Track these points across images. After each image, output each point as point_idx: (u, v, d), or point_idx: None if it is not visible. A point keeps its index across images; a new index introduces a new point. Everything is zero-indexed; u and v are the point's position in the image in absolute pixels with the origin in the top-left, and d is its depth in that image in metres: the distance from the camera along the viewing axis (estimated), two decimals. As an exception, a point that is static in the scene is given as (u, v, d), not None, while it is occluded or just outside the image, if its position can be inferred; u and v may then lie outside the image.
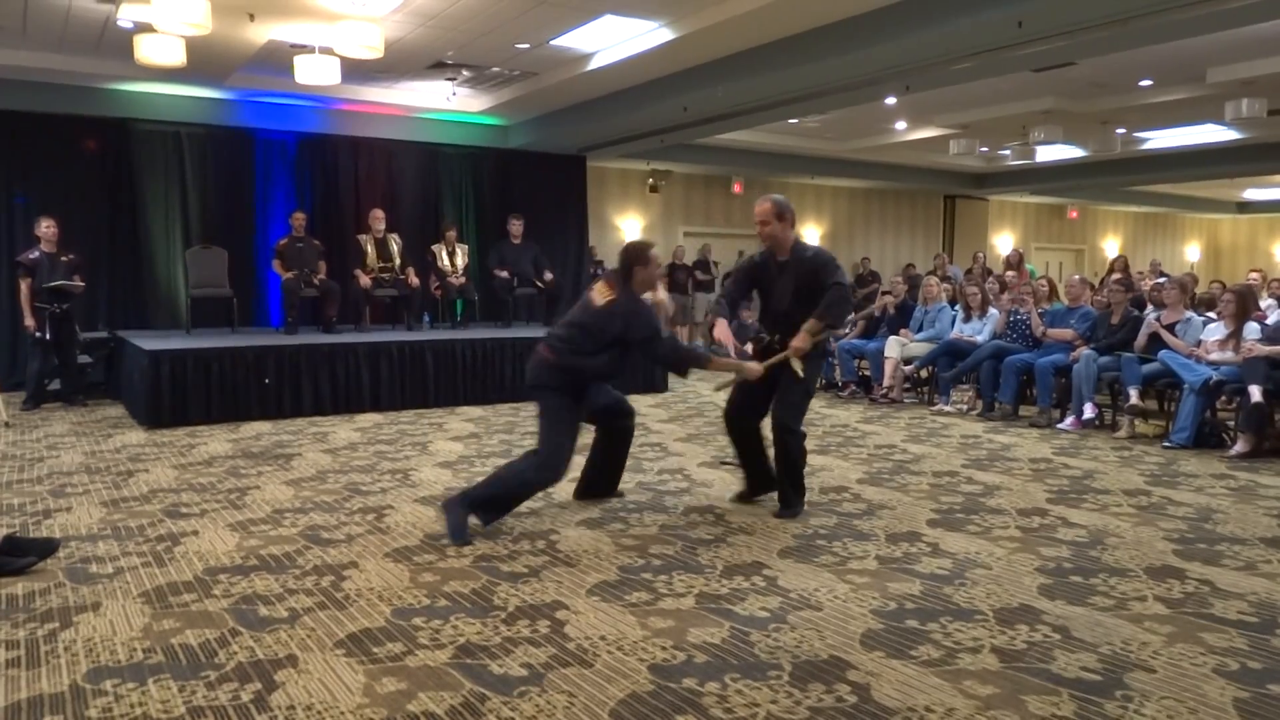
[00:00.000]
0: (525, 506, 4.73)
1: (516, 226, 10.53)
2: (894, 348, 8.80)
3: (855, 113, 11.32)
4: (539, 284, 10.36)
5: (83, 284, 8.40)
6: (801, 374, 4.45)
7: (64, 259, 8.26)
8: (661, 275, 4.62)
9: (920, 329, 8.97)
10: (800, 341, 4.41)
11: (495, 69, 9.47)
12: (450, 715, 2.52)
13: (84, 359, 8.78)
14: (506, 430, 7.14)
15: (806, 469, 4.75)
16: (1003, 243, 18.93)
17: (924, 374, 8.91)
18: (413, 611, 3.27)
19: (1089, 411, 7.11)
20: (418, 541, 4.14)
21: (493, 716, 2.51)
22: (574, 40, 8.40)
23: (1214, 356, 6.62)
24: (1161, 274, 11.15)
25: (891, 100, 10.75)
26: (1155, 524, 4.47)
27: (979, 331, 8.35)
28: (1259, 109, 10.03)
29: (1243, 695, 2.63)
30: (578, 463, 5.66)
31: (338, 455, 6.13)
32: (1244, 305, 6.74)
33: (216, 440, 6.68)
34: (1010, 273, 10.68)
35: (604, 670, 2.79)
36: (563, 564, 3.81)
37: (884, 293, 10.02)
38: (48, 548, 3.84)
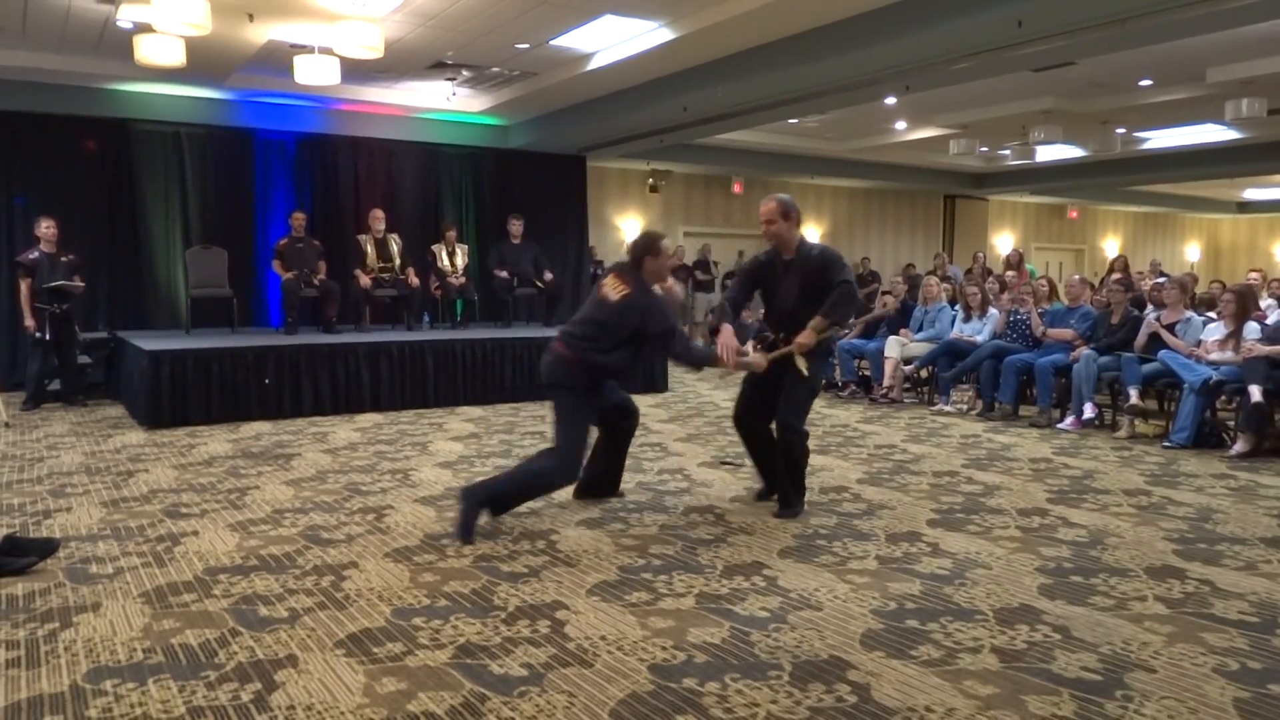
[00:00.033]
0: (525, 506, 4.73)
1: (516, 226, 10.53)
2: (894, 348, 8.80)
3: (855, 113, 11.32)
4: (539, 284, 10.36)
5: (83, 284, 8.40)
6: (806, 372, 4.45)
7: (64, 259, 8.26)
8: (672, 264, 4.63)
9: (920, 329, 8.97)
10: (805, 338, 4.41)
11: (495, 69, 9.47)
12: (450, 715, 2.52)
13: (84, 359, 8.78)
14: (506, 430, 7.14)
15: (808, 469, 4.75)
16: (1003, 242, 18.94)
17: (924, 374, 8.91)
18: (413, 611, 3.27)
19: (1089, 411, 7.11)
20: (418, 541, 4.14)
21: (493, 716, 2.51)
22: (574, 40, 8.40)
23: (1214, 356, 6.62)
24: (1161, 274, 11.15)
25: (891, 100, 10.75)
26: (1155, 524, 4.47)
27: (979, 331, 8.35)
28: (1259, 109, 10.04)
29: (1243, 695, 2.63)
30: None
31: (338, 455, 6.13)
32: (1244, 305, 6.74)
33: (216, 440, 6.68)
34: (1010, 273, 10.68)
35: (604, 670, 2.79)
36: (563, 564, 3.81)
37: (884, 293, 10.02)
38: (48, 548, 3.84)
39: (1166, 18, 6.19)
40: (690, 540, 4.15)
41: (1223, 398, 6.78)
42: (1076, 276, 8.18)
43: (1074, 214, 20.69)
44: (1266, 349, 6.27)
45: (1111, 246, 20.89)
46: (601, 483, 4.89)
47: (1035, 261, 17.31)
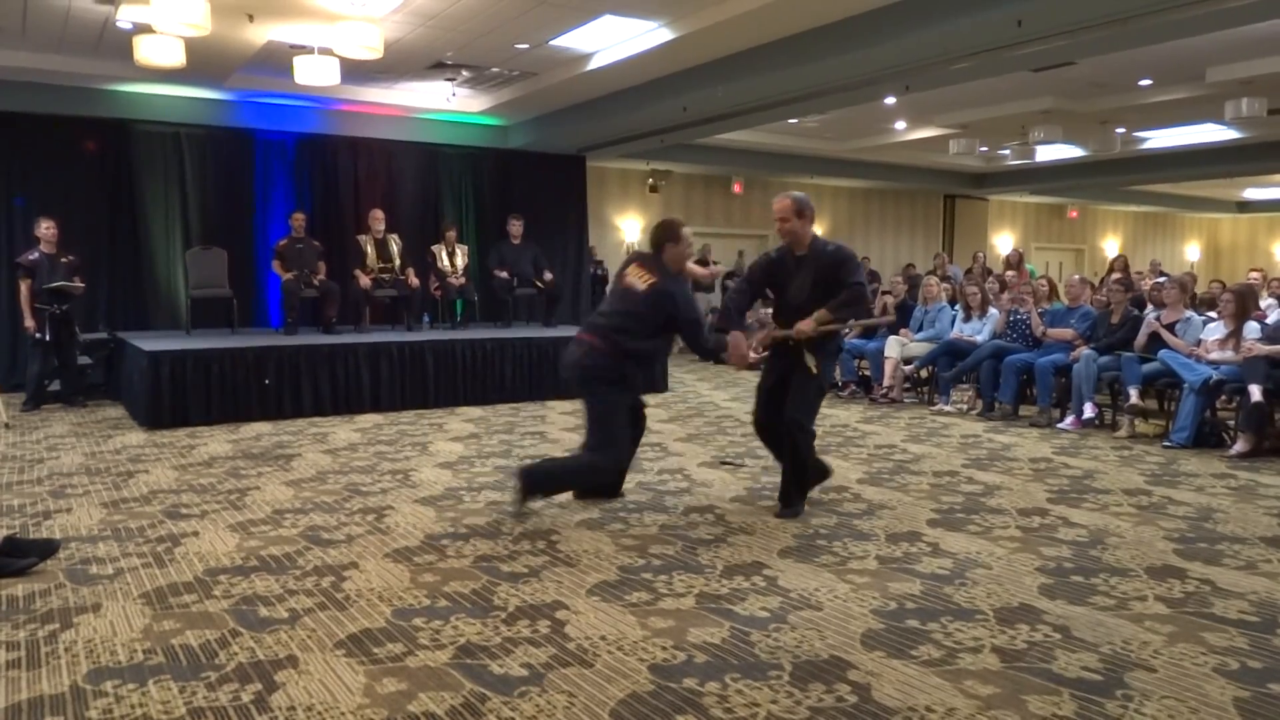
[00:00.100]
0: (525, 507, 4.74)
1: (516, 227, 10.53)
2: (894, 347, 8.80)
3: (855, 113, 11.32)
4: (539, 284, 10.36)
5: (83, 285, 8.40)
6: (815, 369, 4.45)
7: (64, 260, 8.25)
8: (691, 252, 4.66)
9: (920, 329, 8.97)
10: (806, 325, 4.41)
11: (495, 69, 9.47)
12: (450, 715, 2.52)
13: (84, 360, 8.77)
14: (506, 430, 7.14)
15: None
16: (1002, 242, 18.94)
17: (924, 374, 8.91)
18: (413, 612, 3.27)
19: (1089, 411, 7.11)
20: (418, 542, 4.14)
21: (493, 717, 2.51)
22: (574, 40, 8.40)
23: (1214, 356, 6.62)
24: (1161, 273, 11.15)
25: (891, 100, 10.75)
26: (1156, 523, 4.47)
27: (979, 331, 8.35)
28: (1258, 108, 10.04)
29: (1243, 695, 2.63)
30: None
31: (338, 456, 6.13)
32: (1244, 305, 6.74)
33: (216, 441, 6.68)
34: (1010, 272, 10.68)
35: (604, 670, 2.79)
36: (563, 564, 3.81)
37: (884, 293, 10.01)
38: (48, 549, 3.84)
39: (1166, 17, 6.19)
40: (690, 540, 4.15)
41: (1223, 397, 6.78)
42: (1076, 276, 8.18)
43: (1074, 214, 20.69)
44: (1266, 348, 6.27)
45: (1111, 246, 20.90)
46: (604, 485, 4.88)
47: (1035, 261, 17.31)
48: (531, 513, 4.53)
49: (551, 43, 8.46)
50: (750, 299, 4.89)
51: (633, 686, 2.68)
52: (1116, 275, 9.77)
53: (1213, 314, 7.42)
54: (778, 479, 4.96)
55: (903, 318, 9.30)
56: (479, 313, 10.78)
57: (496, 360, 8.69)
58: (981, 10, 6.43)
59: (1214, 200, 21.12)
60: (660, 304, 4.32)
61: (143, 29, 7.30)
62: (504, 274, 10.21)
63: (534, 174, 12.43)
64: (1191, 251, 23.03)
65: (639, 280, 4.36)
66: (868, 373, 9.16)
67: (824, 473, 4.91)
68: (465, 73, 9.62)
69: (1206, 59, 9.08)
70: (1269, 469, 5.75)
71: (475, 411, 8.14)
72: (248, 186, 10.83)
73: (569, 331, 9.73)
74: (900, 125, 12.97)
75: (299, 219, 9.45)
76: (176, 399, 7.27)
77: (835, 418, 7.82)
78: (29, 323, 8.10)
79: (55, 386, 8.45)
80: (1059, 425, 7.24)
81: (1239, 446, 6.15)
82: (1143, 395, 6.85)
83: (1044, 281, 8.53)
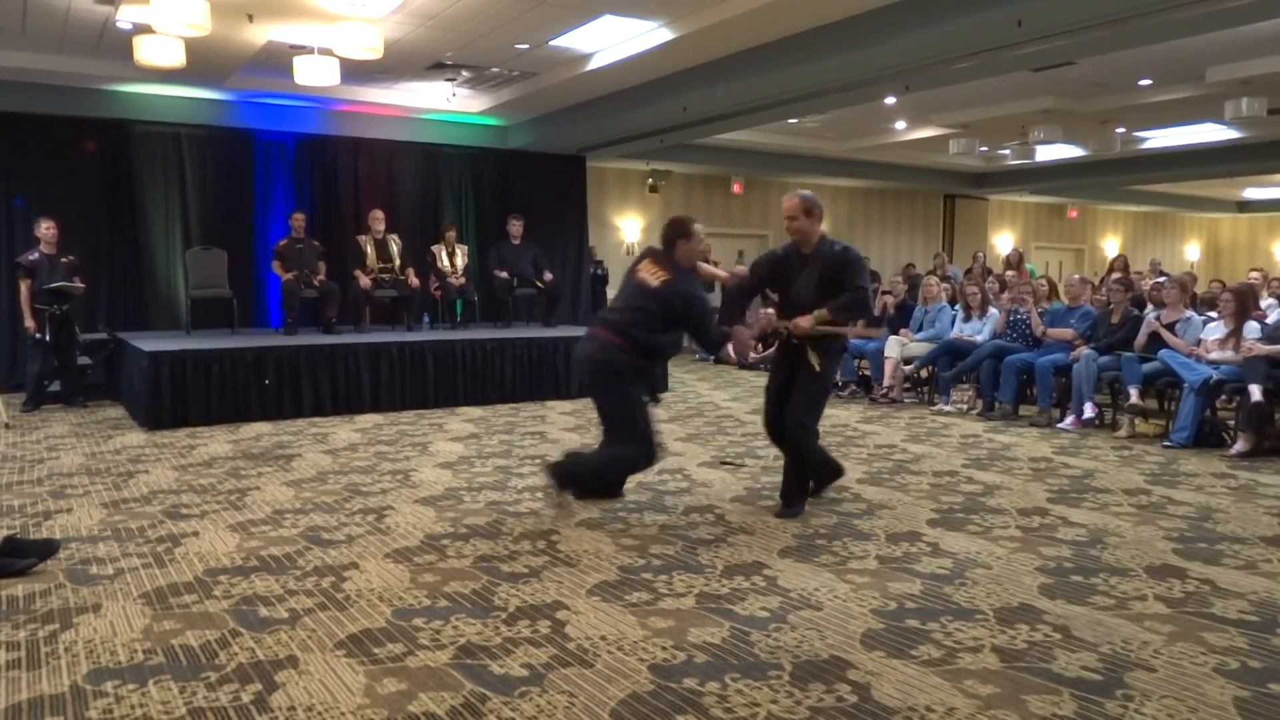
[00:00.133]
0: (525, 507, 4.75)
1: (516, 227, 10.53)
2: (894, 347, 8.80)
3: (855, 112, 11.32)
4: (539, 284, 10.36)
5: (83, 285, 8.40)
6: (818, 368, 4.45)
7: (64, 260, 8.25)
8: (703, 250, 4.67)
9: (920, 329, 8.97)
10: (805, 322, 4.43)
11: (495, 69, 9.47)
12: (451, 716, 2.52)
13: (84, 360, 8.77)
14: (506, 430, 7.14)
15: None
16: (1002, 242, 18.94)
17: (924, 374, 8.91)
18: (413, 612, 3.27)
19: (1089, 411, 7.11)
20: (418, 542, 4.14)
21: (493, 717, 2.51)
22: (573, 40, 8.40)
23: (1214, 356, 6.62)
24: (1161, 273, 11.15)
25: (891, 100, 10.75)
26: (1155, 523, 4.47)
27: (979, 331, 8.36)
28: (1258, 108, 10.03)
29: (1243, 694, 2.63)
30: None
31: (338, 456, 6.13)
32: (1243, 304, 6.74)
33: (216, 441, 6.68)
34: (1010, 272, 10.68)
35: (604, 670, 2.79)
36: (563, 564, 3.81)
37: (884, 292, 10.02)
38: (48, 549, 3.84)
39: (1166, 17, 6.19)
40: (690, 540, 4.15)
41: (1223, 397, 6.78)
42: (1076, 276, 8.18)
43: (1074, 213, 20.68)
44: (1266, 348, 6.27)
45: (1111, 246, 20.89)
46: (605, 484, 4.87)
47: (1035, 261, 17.30)
48: (569, 504, 4.54)
49: (551, 43, 8.46)
50: (751, 295, 4.89)
51: (633, 686, 2.68)
52: (1116, 275, 9.77)
53: (1213, 314, 7.41)
54: (778, 479, 4.97)
55: (903, 318, 9.30)
56: (479, 313, 10.78)
57: (496, 360, 8.69)
58: (981, 10, 6.42)
59: (1214, 200, 21.11)
60: (672, 301, 4.36)
61: (143, 29, 7.30)
62: (504, 274, 10.21)
63: (534, 174, 12.43)
64: (1191, 251, 23.02)
65: (652, 277, 4.39)
66: (868, 373, 9.16)
67: (837, 471, 4.94)
68: (465, 73, 9.62)
69: (1206, 59, 9.08)
70: (1269, 469, 5.75)
71: (475, 412, 8.14)
72: (248, 187, 10.83)
73: (569, 331, 9.78)
74: (900, 125, 12.97)
75: (299, 219, 9.45)
76: (176, 399, 7.27)
77: (835, 418, 7.82)
78: (29, 323, 8.10)
79: (55, 387, 8.45)
80: (1059, 425, 7.24)
81: (1239, 446, 6.15)
82: (1143, 395, 6.85)
83: (1044, 281, 8.53)
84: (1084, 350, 7.22)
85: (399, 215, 11.16)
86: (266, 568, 3.77)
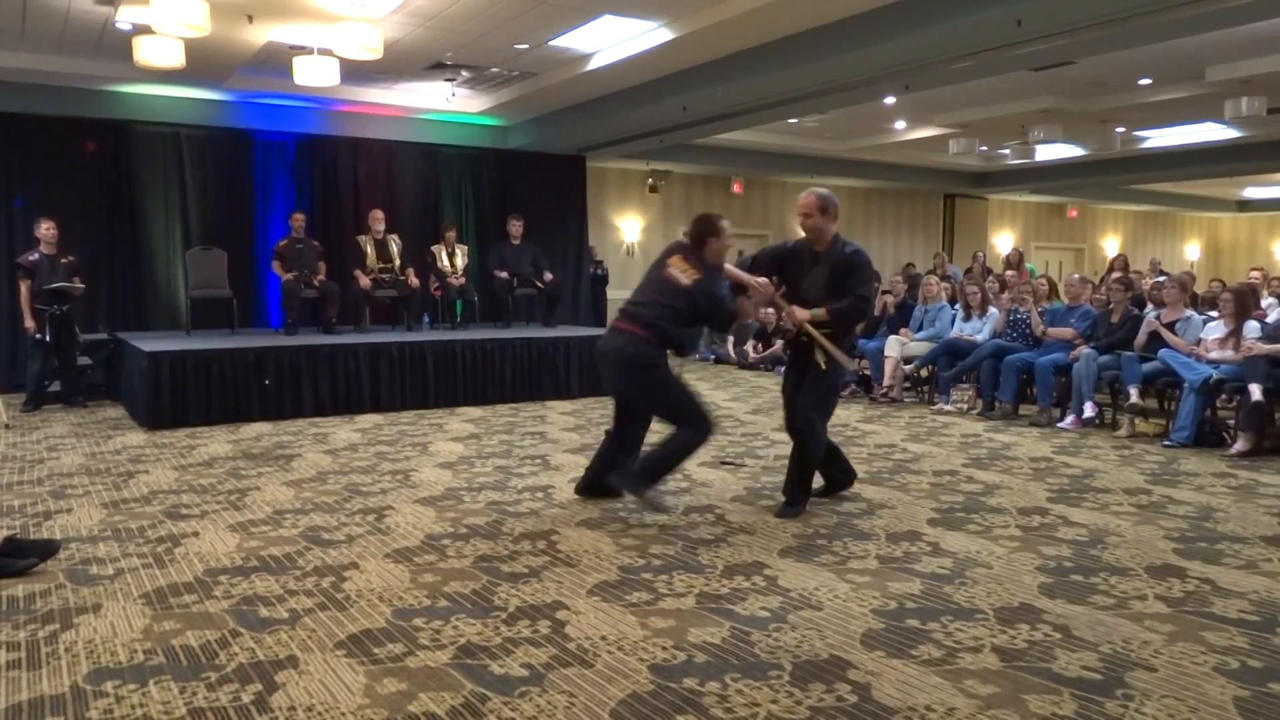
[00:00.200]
0: (525, 507, 4.75)
1: (516, 227, 10.53)
2: (894, 347, 8.81)
3: (855, 112, 11.32)
4: (539, 284, 10.35)
5: (83, 286, 8.40)
6: (824, 366, 4.46)
7: (64, 261, 8.26)
8: (730, 246, 4.71)
9: (920, 328, 8.97)
10: (802, 314, 4.45)
11: (494, 69, 9.47)
12: (451, 716, 2.52)
13: (84, 360, 8.78)
14: (506, 430, 7.14)
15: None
16: (1002, 242, 18.93)
17: (924, 373, 8.91)
18: (413, 612, 3.27)
19: (1089, 410, 7.11)
20: (418, 542, 4.14)
21: (493, 717, 2.51)
22: (573, 40, 8.40)
23: (1214, 355, 6.63)
24: (1161, 273, 11.15)
25: (891, 100, 10.75)
26: (1156, 523, 4.47)
27: (979, 330, 8.36)
28: (1258, 107, 10.03)
29: (1243, 694, 2.63)
30: (580, 462, 5.67)
31: (338, 456, 6.13)
32: (1243, 304, 6.74)
33: (217, 441, 6.68)
34: (1010, 272, 10.68)
35: (604, 670, 2.79)
36: (563, 564, 3.81)
37: (884, 292, 10.02)
38: (48, 549, 3.84)
39: (1166, 16, 6.19)
40: (690, 540, 4.15)
41: (1223, 396, 6.78)
42: (1076, 275, 8.18)
43: (1074, 213, 20.68)
44: (1266, 348, 6.27)
45: (1111, 245, 20.88)
46: (608, 481, 4.88)
47: (1035, 260, 17.30)
48: (664, 502, 4.62)
49: (551, 43, 8.46)
50: (764, 270, 4.87)
51: (633, 686, 2.68)
52: (1116, 274, 9.78)
53: (1213, 313, 7.41)
54: (778, 479, 4.97)
55: (903, 317, 9.30)
56: (479, 313, 10.78)
57: (496, 360, 8.69)
58: (981, 10, 6.42)
59: (1214, 199, 21.11)
60: (701, 301, 4.44)
61: (142, 30, 7.30)
62: (504, 274, 10.21)
63: (534, 174, 12.43)
64: (1191, 250, 23.02)
65: (683, 274, 4.43)
66: (868, 372, 9.16)
67: (848, 476, 4.95)
68: (465, 73, 9.62)
69: (1206, 58, 9.08)
70: (1269, 468, 5.75)
71: (475, 412, 8.14)
72: (248, 187, 10.83)
73: (569, 332, 9.79)
74: (900, 125, 12.97)
75: (299, 219, 9.46)
76: (176, 399, 7.27)
77: (836, 417, 7.74)
78: (29, 323, 8.11)
79: (55, 387, 8.45)
80: (1059, 424, 7.24)
81: (1239, 446, 6.15)
82: (1143, 394, 6.85)
83: (1044, 281, 8.54)
84: (1084, 350, 7.22)
85: (399, 215, 11.17)
86: (267, 568, 3.77)
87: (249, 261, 10.56)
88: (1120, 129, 12.74)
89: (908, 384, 9.01)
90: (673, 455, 4.50)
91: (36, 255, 8.17)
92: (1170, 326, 7.00)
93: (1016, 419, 7.61)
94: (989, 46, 7.08)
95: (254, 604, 3.35)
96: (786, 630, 3.09)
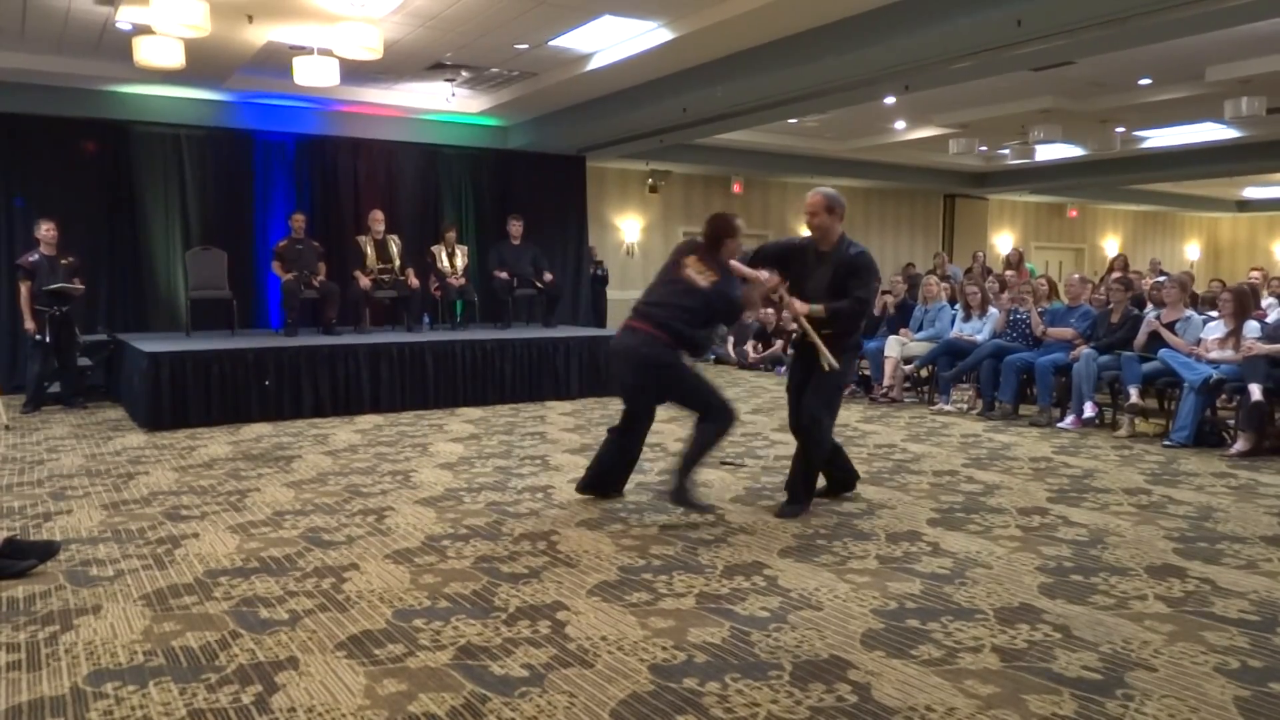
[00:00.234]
0: (525, 507, 4.75)
1: (516, 227, 10.53)
2: (894, 347, 8.81)
3: (854, 112, 11.32)
4: (538, 285, 10.36)
5: (83, 286, 8.40)
6: (829, 366, 4.47)
7: (64, 262, 8.26)
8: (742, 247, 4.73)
9: (920, 328, 8.97)
10: (800, 306, 4.47)
11: (494, 70, 9.48)
12: (451, 716, 2.52)
13: (84, 361, 8.77)
14: (506, 431, 7.14)
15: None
16: (1002, 242, 18.93)
17: (924, 373, 8.91)
18: (413, 613, 3.27)
19: (1089, 410, 7.11)
20: (418, 543, 4.14)
21: (493, 717, 2.51)
22: (573, 41, 8.41)
23: (1214, 355, 6.63)
24: (1161, 273, 11.15)
25: (890, 100, 10.75)
26: (1156, 523, 4.47)
27: (979, 331, 8.36)
28: (1258, 107, 10.04)
29: (1244, 694, 2.63)
30: (580, 463, 5.67)
31: (338, 457, 6.13)
32: (1243, 304, 6.74)
33: (217, 442, 6.68)
34: (1010, 272, 10.68)
35: (604, 670, 2.79)
36: (563, 565, 3.81)
37: (884, 292, 10.02)
38: (48, 550, 3.84)
39: (1165, 16, 6.19)
40: (690, 540, 4.15)
41: (1223, 396, 6.78)
42: (1076, 275, 8.19)
43: (1074, 213, 20.68)
44: (1266, 347, 6.27)
45: (1111, 245, 20.88)
46: (609, 481, 4.89)
47: (1035, 260, 17.31)
48: (709, 505, 4.64)
49: (551, 43, 8.46)
50: (768, 264, 4.86)
51: (633, 687, 2.68)
52: (1116, 274, 9.78)
53: (1213, 313, 7.41)
54: (778, 479, 4.98)
55: (903, 317, 9.31)
56: (479, 313, 10.78)
57: (496, 361, 8.69)
58: (981, 10, 6.42)
59: (1214, 199, 21.11)
60: (717, 303, 4.49)
61: (142, 30, 7.30)
62: (504, 274, 10.21)
63: (534, 174, 12.43)
64: (1191, 250, 23.02)
65: (700, 276, 4.44)
66: (868, 372, 9.16)
67: (850, 477, 4.95)
68: (465, 73, 9.62)
69: (1206, 58, 9.08)
70: (1269, 468, 5.75)
71: (475, 412, 8.14)
72: (247, 187, 10.83)
73: (569, 332, 9.79)
74: (900, 125, 12.97)
75: (299, 220, 9.45)
76: (176, 400, 7.27)
77: (837, 417, 7.81)
78: (29, 324, 8.11)
79: (55, 388, 8.45)
80: (1059, 424, 7.24)
81: (1239, 446, 6.15)
82: (1143, 394, 6.85)
83: (1044, 281, 8.54)
84: (1084, 350, 7.22)
85: (399, 216, 11.17)
86: (267, 569, 3.77)
87: (249, 262, 10.56)
88: (1120, 129, 12.74)
89: (908, 384, 9.02)
90: (703, 448, 4.50)
91: (36, 256, 8.17)
92: (1170, 326, 7.00)
93: (1016, 419, 7.61)
94: (989, 46, 7.08)
95: (254, 605, 3.35)
96: (786, 630, 3.09)
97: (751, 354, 11.65)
